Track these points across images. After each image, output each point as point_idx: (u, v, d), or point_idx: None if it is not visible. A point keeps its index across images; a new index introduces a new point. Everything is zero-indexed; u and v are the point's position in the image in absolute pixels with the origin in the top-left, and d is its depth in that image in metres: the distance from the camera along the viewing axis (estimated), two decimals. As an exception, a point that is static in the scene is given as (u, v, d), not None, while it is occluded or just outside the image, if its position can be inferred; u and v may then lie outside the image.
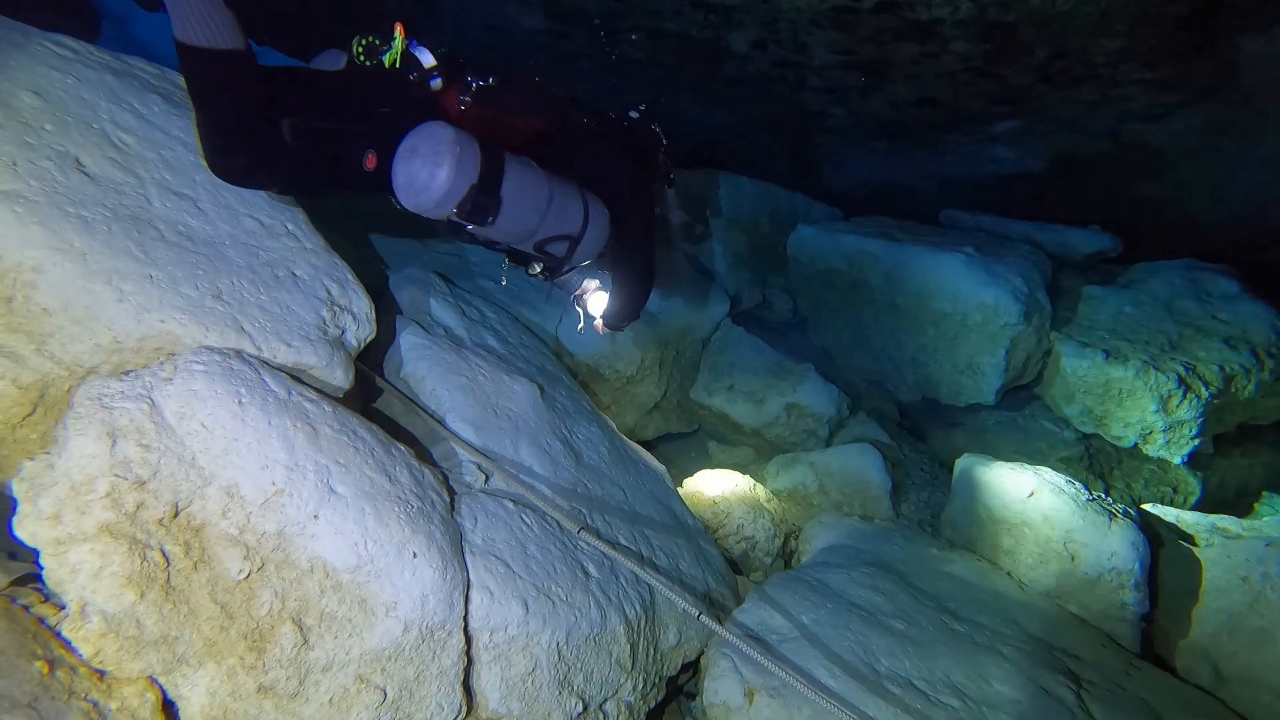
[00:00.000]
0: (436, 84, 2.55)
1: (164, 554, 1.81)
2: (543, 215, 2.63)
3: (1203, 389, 5.01)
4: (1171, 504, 5.28)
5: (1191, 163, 6.50)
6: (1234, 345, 5.14)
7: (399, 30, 2.55)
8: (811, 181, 7.59)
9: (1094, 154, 7.03)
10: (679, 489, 4.21)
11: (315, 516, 1.96)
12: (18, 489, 1.77)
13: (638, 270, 3.11)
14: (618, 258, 3.09)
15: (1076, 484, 4.04)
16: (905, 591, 3.46)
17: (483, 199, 2.44)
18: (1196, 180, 6.67)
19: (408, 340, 3.04)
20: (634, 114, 3.29)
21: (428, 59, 2.57)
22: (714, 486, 4.42)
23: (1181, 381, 5.01)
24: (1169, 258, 6.37)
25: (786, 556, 4.35)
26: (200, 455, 1.88)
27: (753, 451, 5.45)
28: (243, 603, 1.87)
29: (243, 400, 1.96)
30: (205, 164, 2.39)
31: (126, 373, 1.95)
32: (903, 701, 2.69)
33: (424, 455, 2.58)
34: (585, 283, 3.26)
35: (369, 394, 2.84)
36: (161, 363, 1.99)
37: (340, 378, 2.36)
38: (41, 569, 1.77)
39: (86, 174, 2.16)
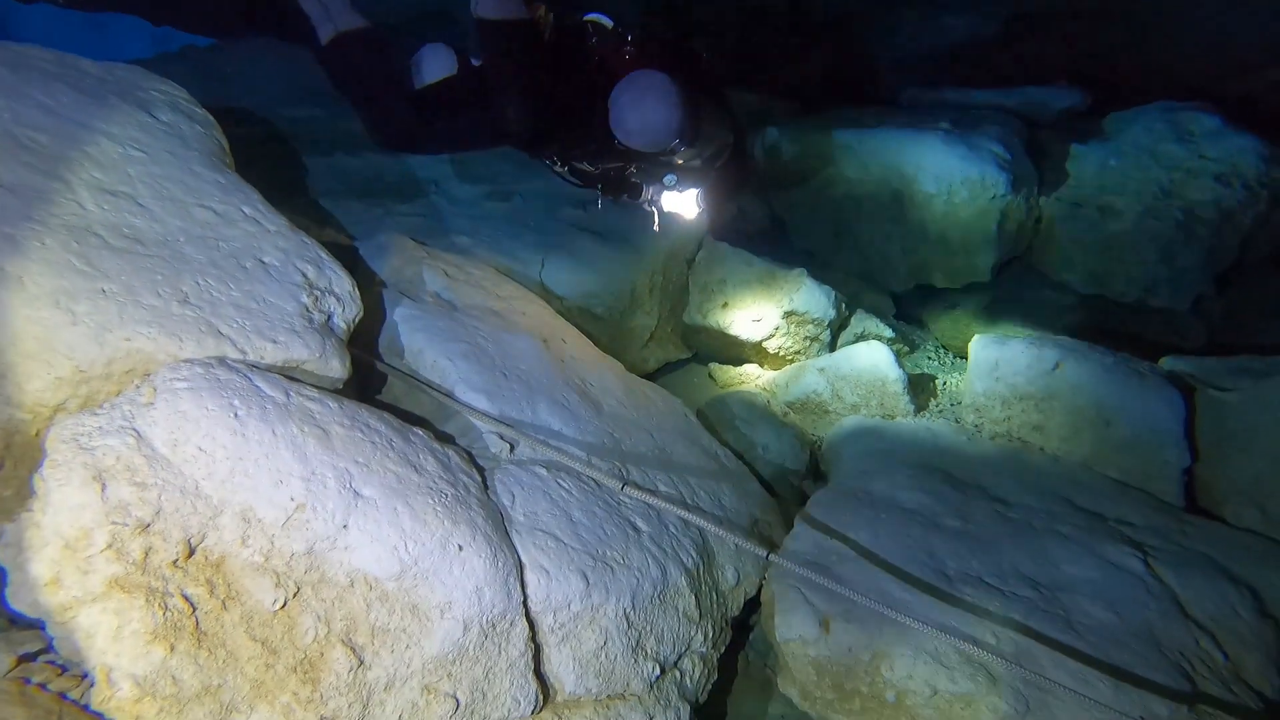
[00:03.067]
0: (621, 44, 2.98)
1: (187, 598, 1.60)
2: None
3: (1202, 231, 4.91)
4: (1181, 351, 5.23)
5: (1149, 5, 6.28)
6: (1226, 182, 5.01)
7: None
8: (763, 77, 7.29)
9: (1046, 8, 6.79)
10: (699, 418, 4.06)
11: (345, 526, 1.75)
12: (3, 558, 1.54)
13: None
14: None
15: (1099, 348, 3.93)
16: (950, 486, 3.35)
17: (690, 124, 2.92)
18: (1154, 21, 6.46)
19: (396, 312, 2.79)
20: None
21: (609, 22, 3.04)
22: (732, 408, 4.26)
23: (1180, 227, 4.89)
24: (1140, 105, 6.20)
25: (814, 469, 4.23)
26: (204, 483, 1.65)
27: (756, 366, 5.28)
28: (284, 634, 1.68)
29: (239, 413, 1.73)
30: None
31: (101, 405, 1.71)
32: (979, 602, 2.59)
33: (441, 435, 2.37)
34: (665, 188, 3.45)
35: (367, 379, 2.61)
36: (138, 386, 1.74)
37: (337, 367, 2.13)
38: (51, 639, 1.56)
39: (1, 186, 1.87)
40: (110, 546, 1.52)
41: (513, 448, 2.44)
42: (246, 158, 4.16)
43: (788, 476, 4.06)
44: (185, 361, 1.79)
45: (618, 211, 4.86)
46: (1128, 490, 3.59)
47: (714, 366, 5.38)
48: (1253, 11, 6.06)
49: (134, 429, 1.64)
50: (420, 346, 2.67)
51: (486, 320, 2.99)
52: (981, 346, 4.30)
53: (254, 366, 1.90)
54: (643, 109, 2.79)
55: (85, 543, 1.50)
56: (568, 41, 2.94)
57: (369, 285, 2.91)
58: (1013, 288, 5.66)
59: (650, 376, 5.12)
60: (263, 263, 2.17)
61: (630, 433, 2.92)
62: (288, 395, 1.85)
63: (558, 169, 3.39)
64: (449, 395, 2.54)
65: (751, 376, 5.23)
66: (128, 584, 1.54)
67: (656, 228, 3.72)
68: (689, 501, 2.78)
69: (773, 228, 6.59)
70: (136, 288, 1.86)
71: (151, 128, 2.32)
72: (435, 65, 3.07)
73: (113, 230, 1.95)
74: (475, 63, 3.13)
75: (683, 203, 3.41)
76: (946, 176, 5.20)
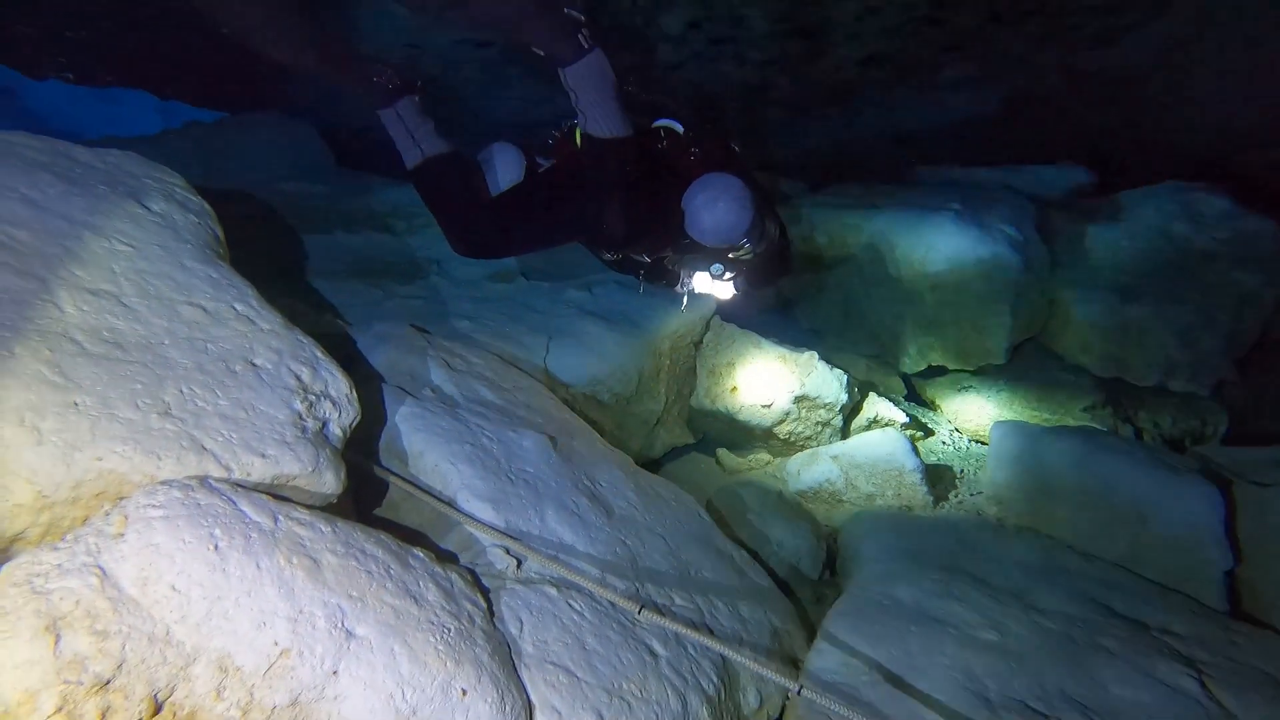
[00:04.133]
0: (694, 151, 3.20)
1: (149, 765, 1.39)
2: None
3: (1222, 315, 4.80)
4: (1202, 438, 5.07)
5: (1149, 84, 6.31)
6: (1243, 264, 4.92)
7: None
8: (763, 157, 7.29)
9: (1048, 88, 6.81)
10: (708, 510, 3.86)
11: (335, 673, 1.55)
12: (-62, 724, 1.34)
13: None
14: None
15: (1129, 439, 3.76)
16: (980, 591, 3.14)
17: (758, 224, 3.12)
18: (1157, 101, 6.48)
19: (395, 410, 2.62)
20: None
21: (679, 127, 3.25)
22: (744, 499, 4.06)
23: (1199, 310, 4.78)
24: (1145, 184, 6.17)
25: (830, 563, 4.01)
26: (177, 627, 1.46)
27: (766, 453, 5.10)
28: (262, 801, 1.46)
29: (219, 544, 1.54)
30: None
31: (64, 536, 1.52)
32: (1027, 732, 2.37)
33: (442, 554, 2.18)
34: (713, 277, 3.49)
35: (364, 482, 2.42)
36: (107, 513, 1.56)
37: (331, 481, 1.95)
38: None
39: (-28, 287, 1.72)
40: (60, 710, 1.32)
41: (520, 563, 2.24)
42: (244, 237, 4.04)
43: (803, 574, 3.85)
44: (162, 484, 1.61)
45: (623, 294, 4.74)
46: (1166, 593, 3.38)
47: (722, 452, 5.20)
48: (1252, 91, 6.07)
49: (99, 566, 1.45)
50: (421, 449, 2.50)
51: (490, 416, 2.82)
52: (1003, 435, 4.13)
53: (239, 486, 1.71)
54: (717, 211, 2.99)
55: (29, 708, 1.30)
56: (646, 148, 3.15)
57: (367, 380, 2.75)
58: (1027, 370, 5.52)
59: (657, 463, 4.94)
60: (254, 365, 2.01)
61: (643, 539, 2.72)
62: (275, 520, 1.67)
63: (606, 256, 3.52)
64: (451, 504, 2.36)
65: (761, 463, 5.04)
66: (80, 753, 1.34)
67: (684, 308, 3.93)
68: (707, 615, 2.57)
69: (780, 307, 6.49)
70: (113, 399, 1.69)
71: (141, 219, 2.18)
72: (507, 169, 3.28)
73: (91, 334, 1.79)
74: (542, 163, 3.33)
75: (718, 287, 3.45)
76: (959, 257, 5.11)
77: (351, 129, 8.15)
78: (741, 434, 5.05)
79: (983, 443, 5.45)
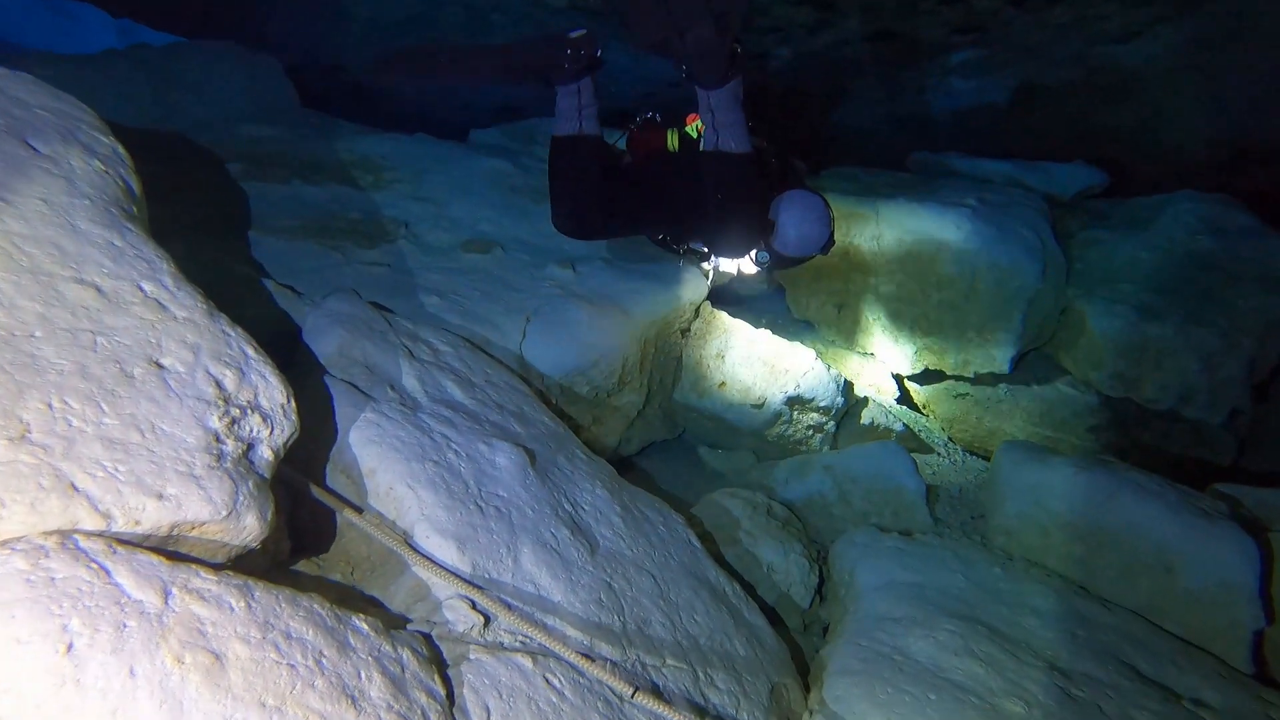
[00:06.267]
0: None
1: None
2: None
3: (1246, 341, 4.50)
4: (1209, 465, 4.80)
5: (1168, 84, 5.97)
6: (1270, 287, 4.62)
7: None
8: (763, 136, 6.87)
9: (1060, 81, 6.46)
10: (694, 525, 3.48)
11: (234, 819, 1.13)
12: None
13: None
14: None
15: (1157, 478, 3.45)
16: (1000, 647, 2.81)
17: (831, 237, 3.36)
18: (1173, 103, 6.16)
19: (344, 413, 2.17)
20: None
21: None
22: (733, 514, 3.68)
23: (1224, 335, 4.48)
24: (1149, 191, 5.86)
25: (820, 587, 3.66)
26: (3, 765, 1.02)
27: (751, 455, 4.72)
28: None
29: (75, 643, 1.10)
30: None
31: None
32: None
33: (391, 616, 1.75)
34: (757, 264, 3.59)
35: (300, 504, 1.98)
36: (-81, 586, 1.11)
37: (253, 526, 1.50)
38: None
39: None
40: None
41: (487, 620, 1.83)
42: (183, 184, 3.52)
43: (794, 598, 3.49)
44: (1, 545, 1.16)
45: (611, 273, 4.30)
46: (1191, 651, 3.08)
47: (704, 450, 4.82)
48: (1271, 106, 5.79)
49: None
50: (373, 465, 2.06)
51: (458, 424, 2.38)
52: (1014, 464, 3.79)
53: (119, 544, 1.27)
54: (804, 227, 3.25)
55: None
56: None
57: (312, 372, 2.29)
58: (1028, 381, 5.20)
59: (632, 460, 4.55)
60: (159, 367, 1.54)
61: (631, 579, 2.32)
62: (166, 596, 1.23)
63: (660, 239, 3.65)
64: (407, 539, 1.93)
65: (746, 467, 4.67)
66: None
67: (708, 280, 4.17)
68: (701, 678, 2.19)
69: (771, 294, 6.09)
70: (-54, 418, 1.23)
71: (23, 164, 1.69)
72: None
73: (-72, 321, 1.32)
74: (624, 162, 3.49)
75: (744, 266, 3.55)
76: (971, 260, 4.74)
77: (321, 66, 7.52)
78: (727, 433, 4.66)
79: (979, 455, 5.14)
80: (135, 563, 1.24)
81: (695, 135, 3.24)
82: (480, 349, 3.26)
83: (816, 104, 7.40)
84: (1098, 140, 6.66)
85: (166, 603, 1.22)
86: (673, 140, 3.34)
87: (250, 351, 1.74)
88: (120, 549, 1.25)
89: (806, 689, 2.79)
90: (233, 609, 1.29)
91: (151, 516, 1.34)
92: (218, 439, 1.53)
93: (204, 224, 3.67)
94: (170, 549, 1.38)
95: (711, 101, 2.94)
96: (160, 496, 1.36)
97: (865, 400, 4.94)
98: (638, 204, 3.40)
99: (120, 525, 1.30)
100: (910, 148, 6.90)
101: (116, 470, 1.34)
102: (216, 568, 1.37)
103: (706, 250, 3.56)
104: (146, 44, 6.08)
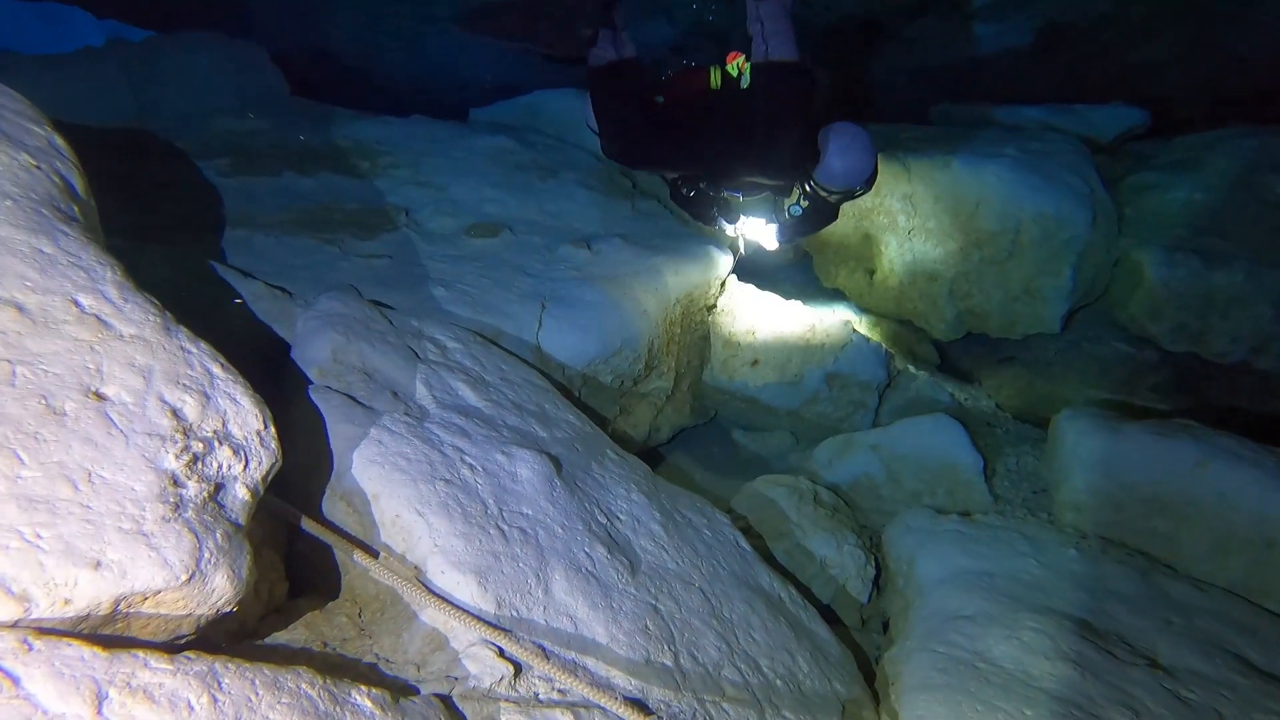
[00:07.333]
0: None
1: None
2: None
3: (1322, 282, 4.13)
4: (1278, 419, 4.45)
5: (1203, 11, 5.57)
6: (1346, 223, 4.24)
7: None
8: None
9: (1088, 18, 6.05)
10: (736, 518, 3.20)
11: None
12: None
13: None
14: None
15: (1250, 443, 3.12)
16: (1092, 646, 2.50)
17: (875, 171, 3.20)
18: (1206, 33, 5.76)
19: (340, 431, 1.89)
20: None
21: None
22: (779, 505, 3.39)
23: (1300, 277, 4.11)
24: (1193, 129, 5.47)
25: (876, 578, 3.37)
26: None
27: (789, 436, 4.42)
28: None
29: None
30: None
31: None
32: None
33: (393, 682, 1.47)
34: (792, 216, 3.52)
35: (291, 545, 1.70)
36: None
37: (222, 586, 1.22)
38: None
39: None
40: None
41: (518, 670, 1.55)
42: (168, 180, 3.24)
43: (851, 594, 3.21)
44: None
45: (630, 250, 3.98)
46: (1298, 633, 2.77)
47: (739, 434, 4.52)
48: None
49: None
50: (376, 490, 1.77)
51: (472, 433, 2.09)
52: (1080, 432, 3.47)
53: (39, 635, 0.99)
54: (849, 155, 3.13)
55: None
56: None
57: (302, 387, 2.01)
58: (1079, 340, 4.85)
59: (662, 449, 4.26)
60: (100, 398, 1.26)
61: (679, 598, 2.04)
62: (99, 705, 0.94)
63: (686, 191, 3.47)
64: (418, 576, 1.65)
65: (785, 450, 4.37)
66: None
67: (743, 250, 4.01)
68: (767, 708, 1.90)
69: (797, 261, 5.75)
70: None
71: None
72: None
73: None
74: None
75: (764, 234, 3.46)
76: (1015, 212, 4.39)
77: (312, 52, 7.23)
78: (763, 415, 4.36)
79: (1031, 423, 4.81)
80: (56, 660, 0.96)
81: (735, 73, 3.21)
82: (492, 342, 2.97)
83: (831, 59, 7.04)
84: (1133, 78, 6.26)
85: (100, 712, 0.94)
86: (715, 77, 3.28)
87: (216, 370, 1.45)
88: (40, 643, 0.97)
89: (875, 697, 2.51)
90: (192, 708, 1.01)
91: (86, 592, 1.06)
92: (175, 482, 1.25)
93: (186, 223, 3.40)
94: (117, 630, 1.10)
95: (761, 11, 2.97)
96: (97, 565, 1.08)
97: (907, 370, 4.61)
98: (681, 137, 3.30)
99: (43, 609, 1.02)
100: (930, 101, 6.52)
101: (39, 536, 1.06)
102: (174, 649, 1.09)
103: (741, 198, 3.46)
104: (124, 39, 5.79)
